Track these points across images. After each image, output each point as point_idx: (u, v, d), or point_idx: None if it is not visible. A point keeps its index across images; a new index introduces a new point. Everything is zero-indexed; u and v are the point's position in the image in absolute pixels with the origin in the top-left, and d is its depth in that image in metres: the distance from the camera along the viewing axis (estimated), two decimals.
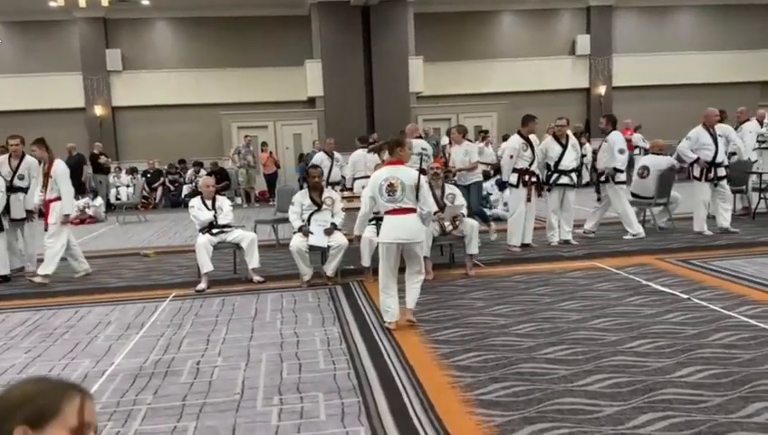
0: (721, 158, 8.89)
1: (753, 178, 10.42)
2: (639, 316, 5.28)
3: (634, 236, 8.81)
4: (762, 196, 10.19)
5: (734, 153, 9.86)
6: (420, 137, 9.98)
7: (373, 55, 17.79)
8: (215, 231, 7.19)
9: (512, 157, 8.35)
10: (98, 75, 18.99)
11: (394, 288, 5.18)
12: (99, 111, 19.04)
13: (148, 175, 17.53)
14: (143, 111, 19.25)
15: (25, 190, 8.06)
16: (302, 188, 8.50)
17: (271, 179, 17.00)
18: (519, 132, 8.45)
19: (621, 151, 8.89)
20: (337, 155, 11.27)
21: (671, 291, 6.03)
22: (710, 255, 7.62)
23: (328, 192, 7.39)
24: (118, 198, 15.97)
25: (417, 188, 5.05)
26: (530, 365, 4.26)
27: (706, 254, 7.68)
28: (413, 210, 5.07)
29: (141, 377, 4.43)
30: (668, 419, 3.39)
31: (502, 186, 10.46)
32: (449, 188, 7.51)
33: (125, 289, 7.31)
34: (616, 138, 8.94)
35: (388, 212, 5.11)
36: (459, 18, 20.04)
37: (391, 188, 5.04)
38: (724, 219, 8.95)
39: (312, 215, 7.05)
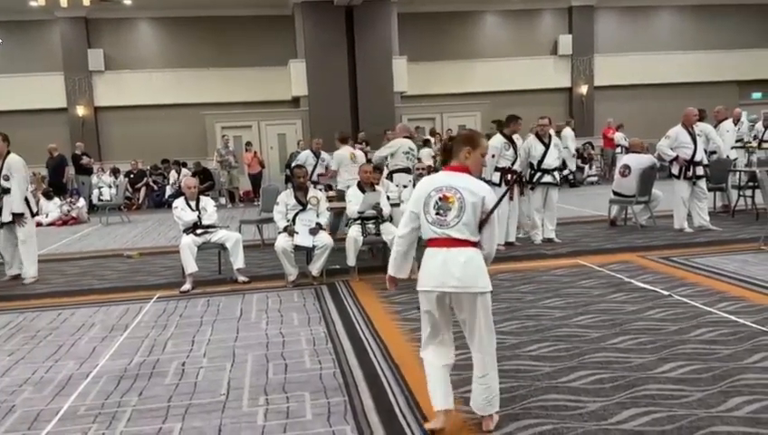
0: (699, 156, 9.01)
1: (734, 175, 10.58)
2: (622, 313, 5.34)
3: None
4: (741, 193, 10.33)
5: (714, 152, 9.98)
6: (407, 137, 10.02)
7: (357, 55, 17.80)
8: (199, 232, 7.17)
9: (494, 156, 8.41)
10: (80, 75, 18.83)
11: (441, 358, 3.40)
12: (81, 111, 18.88)
13: (132, 175, 17.42)
14: (126, 111, 19.13)
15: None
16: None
17: (256, 179, 16.95)
18: (502, 132, 8.51)
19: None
20: (324, 154, 11.20)
21: (653, 288, 6.10)
22: (691, 252, 7.72)
23: (313, 192, 7.39)
24: (101, 199, 15.83)
25: (483, 211, 3.28)
26: (514, 362, 4.30)
27: (687, 251, 7.78)
28: (467, 243, 3.24)
29: (126, 379, 4.42)
30: (651, 414, 3.44)
31: None
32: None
33: (109, 290, 7.26)
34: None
35: (431, 241, 3.31)
36: (442, 18, 20.11)
37: (444, 204, 3.25)
38: (702, 218, 9.07)
39: (297, 214, 7.04)
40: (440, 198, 3.26)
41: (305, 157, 11.01)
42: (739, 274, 6.49)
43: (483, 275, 3.24)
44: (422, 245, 3.42)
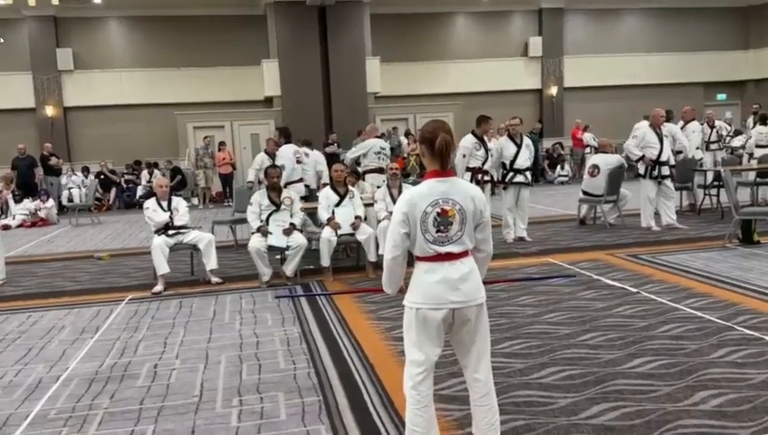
0: (666, 156, 9.18)
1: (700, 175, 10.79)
2: (591, 310, 5.43)
3: None
4: (706, 192, 10.55)
5: (680, 151, 10.17)
6: (381, 136, 10.07)
7: (330, 55, 17.77)
8: (171, 232, 7.11)
9: (464, 156, 8.50)
10: (48, 75, 18.48)
11: (429, 392, 2.98)
12: (50, 111, 18.53)
13: (102, 176, 17.19)
14: (96, 111, 18.82)
15: None
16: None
17: (226, 180, 16.86)
18: (473, 132, 8.60)
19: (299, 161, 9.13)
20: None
21: (621, 285, 6.21)
22: (658, 250, 7.86)
23: (286, 192, 7.38)
24: (70, 200, 15.61)
25: (481, 214, 2.97)
26: None
27: (654, 249, 7.92)
28: (465, 254, 2.96)
29: (97, 381, 4.38)
30: (620, 408, 3.51)
31: None
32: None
33: (79, 292, 7.18)
34: (286, 152, 9.10)
35: (428, 258, 2.93)
36: (415, 19, 20.17)
37: (444, 219, 2.88)
38: (669, 217, 9.25)
39: (270, 215, 7.04)
40: (439, 213, 2.86)
41: (260, 160, 10.59)
42: (705, 271, 6.63)
43: (482, 284, 3.00)
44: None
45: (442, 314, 2.89)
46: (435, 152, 2.91)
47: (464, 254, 2.94)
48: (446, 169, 2.96)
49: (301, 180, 9.35)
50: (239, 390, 4.10)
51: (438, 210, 2.87)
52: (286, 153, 9.19)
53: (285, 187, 7.96)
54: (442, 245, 2.89)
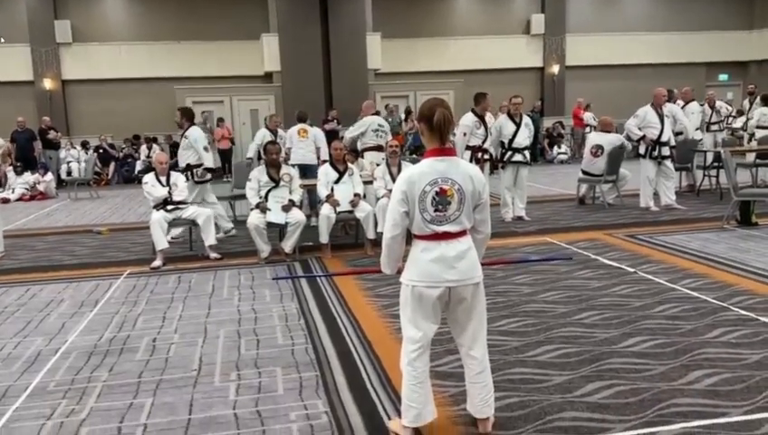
0: (666, 137, 9.16)
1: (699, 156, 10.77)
2: (588, 289, 5.46)
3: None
4: (706, 173, 10.54)
5: (680, 132, 10.14)
6: (377, 113, 9.91)
7: (331, 31, 17.60)
8: (169, 208, 7.12)
9: (465, 135, 8.46)
10: (47, 47, 18.33)
11: (425, 368, 3.07)
12: (48, 84, 18.42)
13: (101, 151, 17.14)
14: (95, 84, 18.72)
15: None
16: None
17: (225, 156, 16.81)
18: (473, 110, 8.56)
19: (206, 149, 8.19)
20: (281, 132, 10.97)
21: (618, 265, 6.24)
22: (656, 230, 7.88)
23: (285, 168, 7.37)
24: (69, 174, 15.59)
25: (480, 195, 2.99)
26: None
27: (653, 229, 7.94)
28: (462, 233, 2.98)
29: (96, 355, 4.41)
30: (614, 387, 3.54)
31: None
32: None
33: (78, 266, 7.20)
34: (196, 134, 8.20)
35: (426, 237, 2.96)
36: None
37: (442, 198, 2.89)
38: (668, 197, 9.25)
39: (269, 191, 7.03)
40: (437, 193, 2.87)
41: (262, 135, 10.52)
42: (702, 251, 6.65)
43: (478, 264, 3.01)
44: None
45: (438, 293, 2.93)
46: (434, 128, 2.92)
47: (461, 233, 2.96)
48: (445, 145, 2.95)
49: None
50: (237, 364, 4.13)
51: (437, 189, 2.88)
52: (198, 135, 8.31)
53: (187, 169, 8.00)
54: (440, 224, 2.91)
